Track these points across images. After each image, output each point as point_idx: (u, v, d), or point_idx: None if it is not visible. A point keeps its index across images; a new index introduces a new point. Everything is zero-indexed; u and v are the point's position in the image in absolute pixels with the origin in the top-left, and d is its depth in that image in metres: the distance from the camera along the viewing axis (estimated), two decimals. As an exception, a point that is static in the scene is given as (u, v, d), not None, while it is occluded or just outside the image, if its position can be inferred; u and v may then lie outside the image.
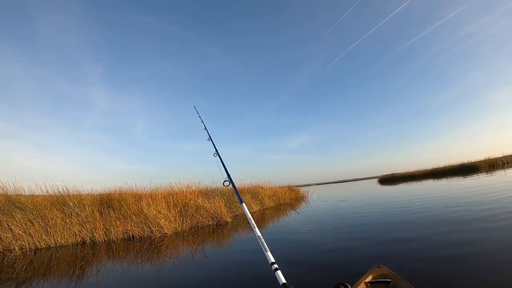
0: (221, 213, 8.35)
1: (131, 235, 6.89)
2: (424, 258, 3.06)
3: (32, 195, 7.67)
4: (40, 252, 5.94)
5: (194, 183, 10.73)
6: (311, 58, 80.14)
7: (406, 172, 29.07)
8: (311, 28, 72.64)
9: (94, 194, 8.68)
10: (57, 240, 6.41)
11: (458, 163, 25.43)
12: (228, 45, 74.10)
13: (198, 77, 71.37)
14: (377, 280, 2.10)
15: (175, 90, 67.25)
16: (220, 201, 8.83)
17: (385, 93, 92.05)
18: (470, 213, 5.20)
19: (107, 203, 7.87)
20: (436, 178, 20.67)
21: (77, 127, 47.60)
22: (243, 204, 2.17)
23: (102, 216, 7.16)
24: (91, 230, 6.70)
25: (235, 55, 74.82)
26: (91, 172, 31.38)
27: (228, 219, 8.34)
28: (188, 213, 8.15)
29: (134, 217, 7.21)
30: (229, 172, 2.57)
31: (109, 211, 7.33)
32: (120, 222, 6.94)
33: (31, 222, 6.42)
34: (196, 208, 8.43)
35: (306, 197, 16.85)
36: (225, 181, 2.51)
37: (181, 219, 7.69)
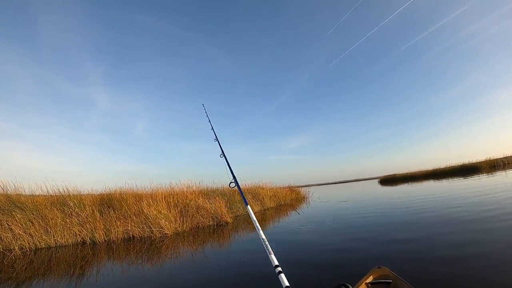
0: (221, 213, 8.34)
1: (131, 235, 6.88)
2: (425, 258, 3.04)
3: (33, 195, 7.67)
4: (40, 252, 5.93)
5: (195, 183, 10.75)
6: (312, 58, 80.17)
7: (407, 173, 29.06)
8: (312, 28, 72.70)
9: (94, 194, 8.69)
10: (57, 240, 6.41)
11: (459, 164, 25.41)
12: (228, 45, 74.17)
13: (198, 77, 71.46)
14: (378, 281, 2.10)
15: (175, 90, 67.39)
16: (221, 202, 8.82)
17: (387, 94, 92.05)
18: (471, 214, 5.18)
19: (108, 203, 7.87)
20: (437, 179, 20.63)
21: (78, 127, 47.70)
22: (248, 206, 2.17)
23: (102, 216, 7.16)
24: (91, 230, 6.70)
25: (235, 55, 74.92)
26: (92, 172, 31.44)
27: (229, 220, 8.33)
28: (189, 213, 8.14)
29: (134, 217, 7.20)
30: (234, 173, 2.59)
31: (109, 211, 7.33)
32: (120, 222, 6.93)
33: (31, 222, 6.42)
34: (197, 209, 8.42)
35: (306, 198, 16.82)
36: (231, 182, 2.54)
37: (182, 220, 7.68)
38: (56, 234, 6.43)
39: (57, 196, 7.53)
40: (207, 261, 4.21)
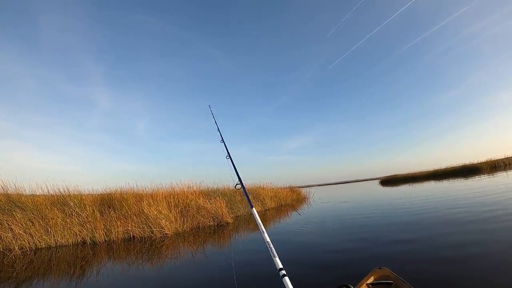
0: (222, 213, 8.33)
1: (131, 236, 6.87)
2: (425, 259, 3.04)
3: (33, 194, 7.67)
4: (40, 252, 5.93)
5: (195, 183, 10.73)
6: (312, 59, 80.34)
7: (408, 174, 29.05)
8: (313, 29, 72.88)
9: (95, 194, 8.68)
10: (58, 240, 6.40)
11: (460, 165, 25.36)
12: (228, 45, 74.44)
13: (199, 77, 71.70)
14: (379, 281, 2.10)
15: (176, 90, 67.63)
16: (221, 202, 8.81)
17: (388, 94, 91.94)
18: (472, 215, 5.18)
19: (108, 203, 7.86)
20: (438, 180, 20.59)
21: (79, 127, 47.93)
22: (253, 209, 2.18)
23: (102, 216, 7.15)
24: (92, 230, 6.69)
25: (235, 55, 75.13)
26: (92, 172, 31.53)
27: (229, 220, 8.32)
28: (189, 213, 8.13)
29: (134, 217, 7.19)
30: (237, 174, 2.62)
31: (109, 211, 7.32)
32: (120, 222, 6.92)
33: (32, 222, 6.41)
34: (197, 209, 8.41)
35: (307, 198, 16.80)
36: (237, 184, 2.61)
37: (182, 220, 7.67)
38: (57, 234, 6.43)
39: (58, 196, 7.52)
40: (207, 261, 4.20)
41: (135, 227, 6.92)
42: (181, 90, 68.53)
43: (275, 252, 1.56)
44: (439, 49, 72.79)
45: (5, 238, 6.03)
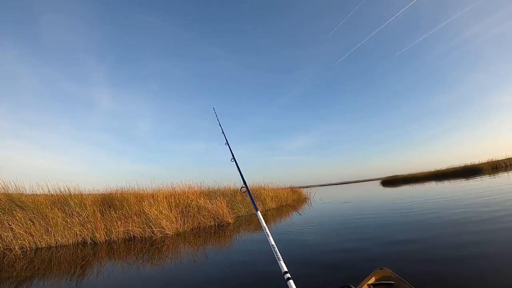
0: (223, 214, 8.31)
1: (132, 236, 6.85)
2: (427, 260, 3.02)
3: (34, 194, 7.66)
4: (41, 251, 5.91)
5: (196, 183, 10.72)
6: (314, 59, 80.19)
7: (409, 174, 28.96)
8: (315, 29, 72.85)
9: (96, 194, 8.67)
10: (58, 240, 6.39)
11: (461, 165, 25.29)
12: (230, 45, 74.36)
13: (200, 78, 71.63)
14: (380, 282, 2.10)
15: (178, 91, 67.67)
16: (222, 202, 8.79)
17: (390, 95, 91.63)
18: (474, 215, 5.15)
19: (109, 203, 7.85)
20: (439, 180, 20.54)
21: (80, 126, 47.97)
22: (258, 212, 2.17)
23: (103, 216, 7.13)
24: (92, 230, 6.67)
25: (237, 55, 75.09)
26: (94, 172, 31.52)
27: (230, 220, 8.30)
28: (190, 213, 8.12)
29: (135, 217, 7.18)
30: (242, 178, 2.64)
31: (110, 211, 7.31)
32: (121, 222, 6.90)
33: (32, 221, 6.40)
34: (198, 209, 8.40)
35: (308, 199, 16.78)
36: (242, 187, 2.61)
37: (183, 220, 7.65)
38: (57, 234, 6.41)
39: (58, 195, 7.51)
40: (208, 262, 4.17)
41: (135, 227, 6.90)
42: (182, 90, 68.63)
43: (280, 256, 1.56)
44: (441, 50, 72.58)
45: (5, 237, 6.02)
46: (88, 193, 8.39)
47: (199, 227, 7.80)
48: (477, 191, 9.32)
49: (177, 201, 8.49)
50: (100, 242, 6.52)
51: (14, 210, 6.52)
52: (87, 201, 7.35)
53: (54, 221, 6.50)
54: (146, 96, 64.10)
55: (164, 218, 7.16)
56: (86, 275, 3.96)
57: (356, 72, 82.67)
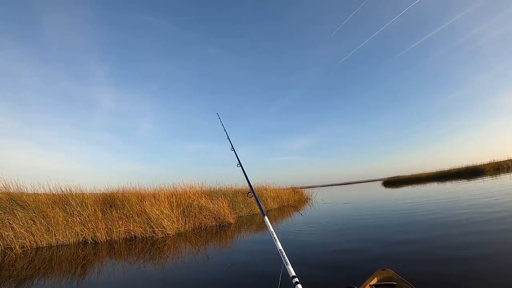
0: (224, 214, 8.29)
1: (133, 235, 6.84)
2: (430, 261, 3.00)
3: (35, 193, 7.66)
4: (42, 251, 5.90)
5: (198, 183, 10.70)
6: (316, 61, 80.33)
7: (411, 175, 28.91)
8: (316, 31, 72.97)
9: (97, 193, 8.66)
10: (59, 239, 6.38)
11: (463, 166, 25.22)
12: (232, 46, 74.66)
13: (201, 78, 71.99)
14: (383, 283, 2.11)
15: (178, 91, 67.98)
16: (224, 202, 8.76)
17: (392, 96, 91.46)
18: (476, 216, 5.13)
19: (110, 203, 7.84)
20: (441, 181, 20.48)
21: (82, 126, 48.20)
22: (265, 217, 2.18)
23: (104, 215, 7.12)
24: (93, 229, 6.66)
25: (239, 56, 75.47)
26: (95, 171, 31.64)
27: (232, 220, 8.27)
28: (191, 213, 8.10)
29: (136, 217, 7.16)
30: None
31: (111, 211, 7.29)
32: (122, 222, 6.89)
33: (33, 221, 6.39)
34: (199, 209, 8.38)
35: (310, 199, 16.74)
36: (248, 193, 2.65)
37: (184, 220, 7.63)
38: (58, 233, 6.40)
39: (59, 195, 7.51)
40: (209, 262, 4.15)
41: (136, 227, 6.89)
42: (182, 90, 68.99)
43: (287, 260, 1.55)
44: (444, 50, 72.34)
45: (6, 236, 6.01)
46: (90, 192, 8.40)
47: (201, 227, 7.78)
48: (479, 192, 9.28)
49: (179, 201, 8.47)
50: (101, 241, 6.51)
51: (15, 209, 6.52)
52: (88, 201, 7.35)
53: (55, 220, 6.49)
54: (147, 96, 64.47)
55: (166, 218, 7.14)
56: (87, 274, 3.95)
57: (358, 73, 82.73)
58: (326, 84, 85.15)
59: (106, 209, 7.38)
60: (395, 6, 64.84)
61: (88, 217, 6.86)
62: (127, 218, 7.10)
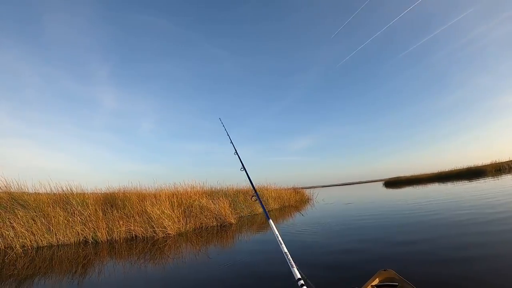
0: (225, 214, 8.28)
1: (134, 235, 6.84)
2: (431, 261, 2.99)
3: (36, 193, 7.66)
4: (42, 250, 5.90)
5: (199, 183, 10.68)
6: (317, 61, 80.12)
7: (412, 176, 28.83)
8: (318, 31, 72.85)
9: (98, 193, 8.66)
10: (59, 239, 6.37)
11: (465, 167, 25.16)
12: (233, 47, 74.53)
13: (203, 79, 71.92)
14: (384, 283, 2.10)
15: (179, 91, 67.98)
16: (225, 202, 8.76)
17: (393, 97, 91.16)
18: (477, 217, 5.13)
19: (111, 202, 7.84)
20: (442, 182, 20.44)
21: (84, 125, 48.25)
22: (270, 220, 2.18)
23: (105, 215, 7.12)
24: (94, 229, 6.66)
25: (240, 57, 75.30)
26: (96, 171, 31.67)
27: (233, 221, 8.26)
28: (192, 213, 8.09)
29: (137, 217, 7.16)
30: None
31: (112, 211, 7.29)
32: (123, 222, 6.88)
33: (34, 220, 6.39)
34: (200, 209, 8.37)
35: (311, 199, 16.72)
36: (252, 196, 2.76)
37: (185, 220, 7.62)
38: (58, 233, 6.40)
39: (60, 194, 7.51)
40: (210, 262, 4.14)
41: (137, 226, 6.89)
42: (183, 91, 68.99)
43: (293, 263, 1.55)
44: (446, 50, 72.05)
45: (7, 236, 6.01)
46: (91, 192, 8.39)
47: (201, 227, 7.78)
48: (480, 192, 9.27)
49: (180, 201, 8.47)
50: (101, 241, 6.50)
51: (16, 208, 6.52)
52: (89, 200, 7.34)
53: (55, 219, 6.49)
54: (148, 95, 64.51)
55: (166, 218, 7.13)
56: (87, 274, 3.94)
57: (361, 73, 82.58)
58: (326, 85, 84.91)
59: (107, 209, 7.38)
60: (397, 7, 64.57)
61: (89, 216, 6.86)
62: (128, 218, 7.10)
